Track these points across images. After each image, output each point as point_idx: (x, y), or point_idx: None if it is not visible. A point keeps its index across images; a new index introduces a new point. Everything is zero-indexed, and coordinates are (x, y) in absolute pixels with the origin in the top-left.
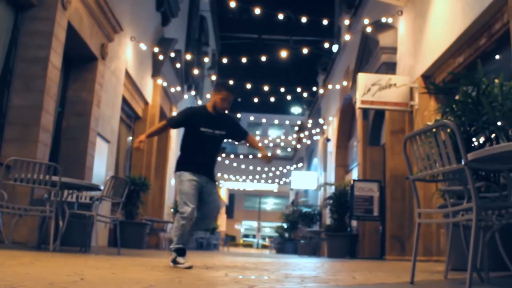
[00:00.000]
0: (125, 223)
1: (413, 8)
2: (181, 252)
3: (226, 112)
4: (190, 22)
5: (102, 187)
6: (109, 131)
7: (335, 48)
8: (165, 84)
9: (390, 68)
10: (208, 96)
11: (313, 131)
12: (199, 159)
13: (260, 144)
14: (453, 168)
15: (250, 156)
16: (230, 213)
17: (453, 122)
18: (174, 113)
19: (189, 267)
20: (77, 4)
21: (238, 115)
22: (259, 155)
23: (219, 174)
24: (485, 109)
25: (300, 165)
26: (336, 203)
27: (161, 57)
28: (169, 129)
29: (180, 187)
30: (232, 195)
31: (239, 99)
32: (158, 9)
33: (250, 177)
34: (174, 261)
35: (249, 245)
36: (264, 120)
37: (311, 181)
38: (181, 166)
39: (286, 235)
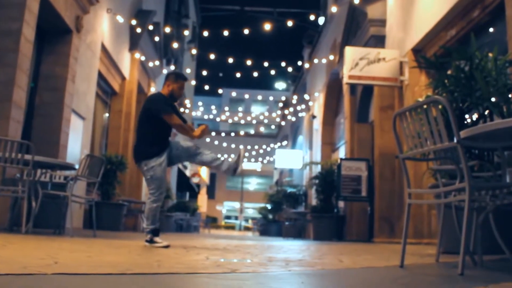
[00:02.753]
0: (101, 203)
1: None
2: (156, 232)
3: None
4: None
5: (77, 166)
6: (85, 107)
7: (321, 20)
8: (143, 58)
9: (379, 41)
10: (188, 70)
11: (298, 108)
12: (165, 141)
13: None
14: (445, 146)
15: (232, 134)
16: (211, 194)
17: (445, 98)
18: (153, 89)
19: (167, 246)
20: None
21: (220, 91)
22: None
23: None
24: (479, 84)
25: (284, 143)
26: (322, 183)
27: (138, 30)
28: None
29: (151, 174)
30: (213, 174)
31: (221, 74)
32: None
33: (232, 155)
34: (151, 241)
35: (231, 227)
36: (247, 96)
37: (296, 160)
38: (150, 154)
39: (270, 216)
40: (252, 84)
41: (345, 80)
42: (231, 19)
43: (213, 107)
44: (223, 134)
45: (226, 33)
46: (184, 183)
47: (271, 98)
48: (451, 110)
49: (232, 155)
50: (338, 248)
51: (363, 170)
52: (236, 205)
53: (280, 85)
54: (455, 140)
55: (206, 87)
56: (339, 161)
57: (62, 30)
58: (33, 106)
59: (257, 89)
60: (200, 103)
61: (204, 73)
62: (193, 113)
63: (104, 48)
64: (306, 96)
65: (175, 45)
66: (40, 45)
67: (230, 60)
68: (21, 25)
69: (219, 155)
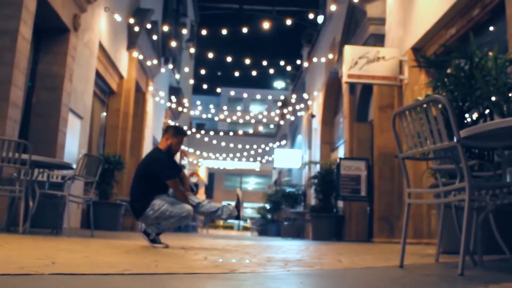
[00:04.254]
0: (98, 203)
1: None
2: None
3: None
4: None
5: (74, 166)
6: (82, 106)
7: (320, 19)
8: (141, 57)
9: (378, 40)
10: (186, 69)
11: (297, 107)
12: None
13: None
14: (445, 145)
15: (231, 133)
16: (209, 193)
17: (444, 97)
18: (151, 88)
19: (166, 246)
20: None
21: (218, 90)
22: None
23: (198, 152)
24: (479, 83)
25: (283, 142)
26: (321, 182)
27: (136, 28)
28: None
29: (161, 210)
30: (211, 174)
31: (219, 73)
32: None
33: (231, 155)
34: (155, 240)
35: (230, 227)
36: (245, 95)
37: (295, 159)
38: (147, 205)
39: (269, 216)
40: (250, 83)
41: (344, 79)
42: (230, 17)
43: (211, 106)
44: (221, 134)
45: (224, 31)
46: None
47: (270, 97)
48: (451, 109)
49: (231, 203)
50: (337, 248)
51: (363, 170)
52: None
53: (279, 84)
54: (455, 140)
55: (205, 86)
56: (338, 160)
57: (59, 28)
58: (30, 105)
59: (255, 88)
60: (198, 102)
61: (203, 72)
62: (192, 112)
63: (101, 47)
64: (305, 95)
65: (173, 43)
66: (37, 43)
67: (229, 59)
68: (18, 24)
69: (217, 205)
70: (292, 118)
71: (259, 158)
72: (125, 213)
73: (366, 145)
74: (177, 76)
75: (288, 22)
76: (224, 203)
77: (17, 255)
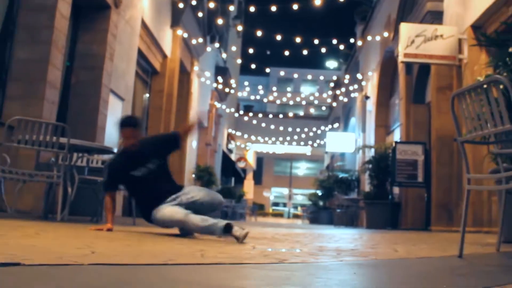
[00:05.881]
0: None
1: None
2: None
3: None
4: None
5: (115, 150)
6: (123, 87)
7: None
8: (185, 35)
9: (436, 17)
10: (233, 48)
11: (351, 88)
12: (158, 193)
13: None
14: (506, 128)
15: (280, 116)
16: (258, 179)
17: (506, 77)
18: (196, 68)
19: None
20: None
21: (267, 70)
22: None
23: (245, 136)
24: None
25: (336, 125)
26: (376, 167)
27: (181, 5)
28: (115, 194)
29: (164, 218)
30: (260, 158)
31: (268, 52)
32: None
33: (281, 138)
34: (227, 229)
35: (279, 215)
36: (295, 76)
37: (348, 143)
38: (151, 209)
39: (321, 203)
40: (301, 62)
41: (400, 58)
42: None
43: (260, 87)
44: (270, 116)
45: (274, 8)
46: (229, 167)
47: (321, 77)
48: None
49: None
50: (392, 237)
51: (419, 154)
52: (285, 191)
53: (331, 64)
54: None
55: (253, 66)
56: (394, 144)
57: (99, 5)
58: (69, 86)
59: (306, 68)
60: (246, 83)
61: (251, 51)
62: (239, 94)
63: (144, 25)
64: (359, 76)
65: (220, 21)
66: (76, 21)
67: (278, 37)
68: (56, 0)
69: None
70: (345, 99)
71: (310, 142)
72: None
73: (423, 128)
74: (224, 55)
75: None
76: (273, 191)
77: (55, 245)
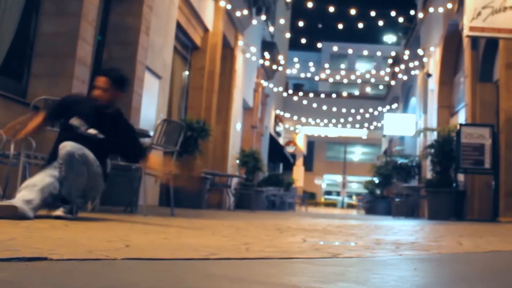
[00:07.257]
0: (180, 177)
1: None
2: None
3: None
4: None
5: (151, 133)
6: (161, 64)
7: None
8: (229, 7)
9: None
10: (282, 21)
11: (411, 65)
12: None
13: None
14: None
15: (333, 95)
16: (308, 166)
17: None
18: (240, 43)
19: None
20: None
21: (319, 45)
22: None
23: (295, 117)
24: None
25: (394, 106)
26: (438, 152)
27: None
28: (46, 122)
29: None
30: (311, 143)
31: (320, 25)
32: None
33: (333, 120)
34: None
35: (332, 204)
36: (350, 51)
37: (408, 125)
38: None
39: (378, 192)
40: (356, 37)
41: (466, 32)
42: None
43: (311, 64)
44: (322, 96)
45: None
46: (277, 152)
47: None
48: None
49: None
50: (457, 229)
51: (487, 138)
52: (338, 178)
53: (389, 38)
54: None
55: (303, 41)
56: (458, 127)
57: None
58: (100, 62)
59: (362, 43)
60: (296, 59)
61: (301, 24)
62: (288, 71)
63: None
64: (420, 51)
65: None
66: None
67: (331, 9)
68: None
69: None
70: (405, 77)
71: (366, 124)
72: (210, 188)
73: (490, 109)
74: (271, 29)
75: None
76: (326, 178)
77: (85, 237)
